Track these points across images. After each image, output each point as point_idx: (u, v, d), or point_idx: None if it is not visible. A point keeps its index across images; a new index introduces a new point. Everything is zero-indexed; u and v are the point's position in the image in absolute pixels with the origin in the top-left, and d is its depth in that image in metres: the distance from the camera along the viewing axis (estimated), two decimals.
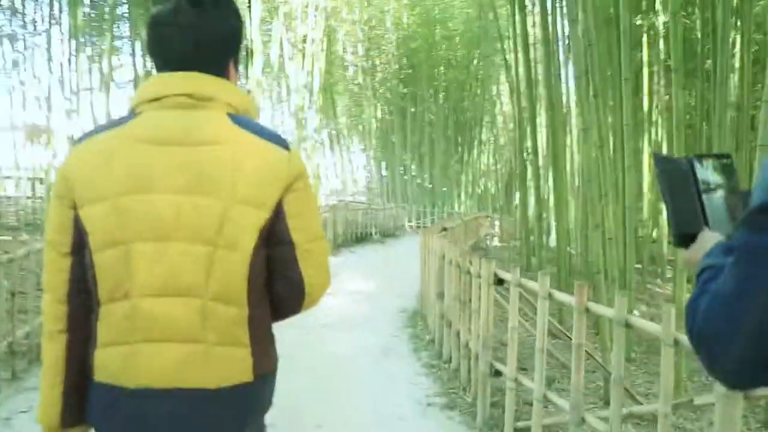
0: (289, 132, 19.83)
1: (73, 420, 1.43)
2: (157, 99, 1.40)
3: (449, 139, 30.49)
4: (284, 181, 1.39)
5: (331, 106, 30.00)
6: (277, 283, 1.44)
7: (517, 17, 12.01)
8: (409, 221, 26.39)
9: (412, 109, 30.11)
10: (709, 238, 1.00)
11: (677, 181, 1.09)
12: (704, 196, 1.06)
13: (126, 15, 17.36)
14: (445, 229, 10.12)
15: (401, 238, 22.49)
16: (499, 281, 4.45)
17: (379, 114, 31.04)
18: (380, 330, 7.34)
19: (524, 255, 13.35)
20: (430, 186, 30.51)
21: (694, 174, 1.07)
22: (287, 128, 20.16)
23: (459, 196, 31.07)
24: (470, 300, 5.12)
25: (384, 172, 32.17)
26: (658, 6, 11.03)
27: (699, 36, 9.88)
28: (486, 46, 28.58)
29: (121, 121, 1.43)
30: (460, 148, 31.30)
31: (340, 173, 33.86)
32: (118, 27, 18.09)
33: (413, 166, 30.83)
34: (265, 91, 19.65)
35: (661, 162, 1.14)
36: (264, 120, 19.83)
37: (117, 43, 17.81)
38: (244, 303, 1.38)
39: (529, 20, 12.63)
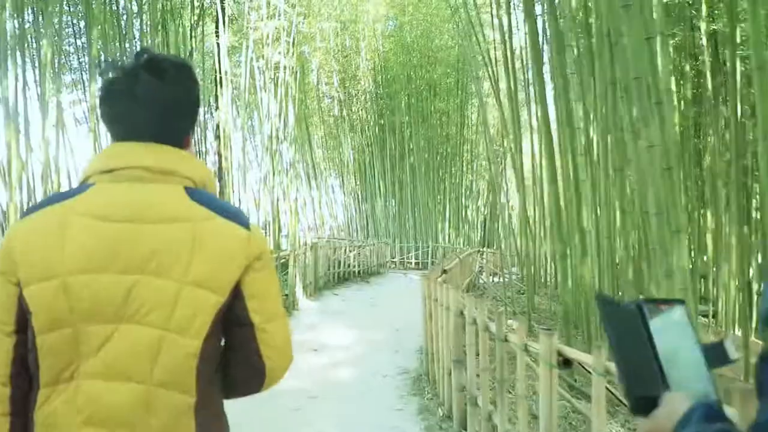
0: (263, 165, 18.51)
1: None
2: (111, 170, 1.32)
3: (432, 170, 29.34)
4: (242, 263, 1.32)
5: (307, 139, 28.70)
6: (235, 366, 1.38)
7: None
8: (392, 257, 25.03)
9: (392, 141, 28.98)
10: (679, 401, 0.87)
11: (627, 333, 0.94)
12: (661, 352, 0.91)
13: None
14: (445, 272, 8.78)
15: (386, 275, 21.11)
16: (566, 362, 3.11)
17: (356, 146, 29.81)
18: (379, 401, 5.94)
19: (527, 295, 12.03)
20: (412, 220, 29.28)
21: (645, 323, 0.93)
22: (260, 161, 18.82)
23: (442, 229, 29.84)
24: (508, 378, 3.79)
25: (363, 206, 30.84)
26: None
27: None
28: (466, 74, 27.88)
29: (71, 194, 1.32)
30: (443, 180, 30.14)
31: (318, 209, 32.31)
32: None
33: (393, 200, 29.59)
34: (236, 121, 18.21)
35: (605, 306, 1.01)
36: (235, 152, 18.74)
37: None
38: (191, 390, 1.29)
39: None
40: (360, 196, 30.75)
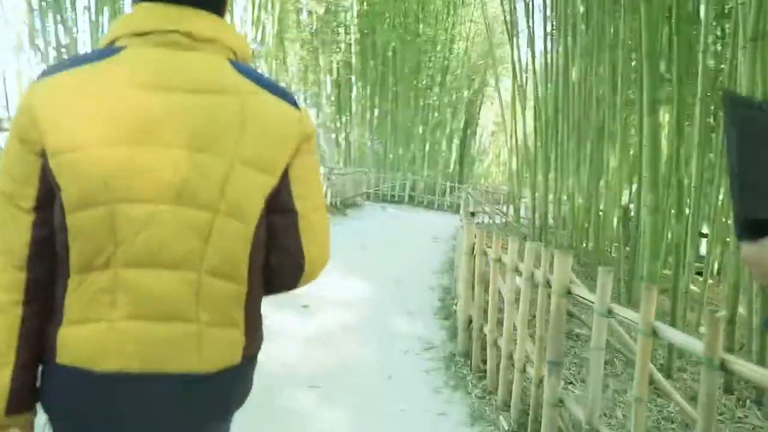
0: None
1: (21, 406, 1.17)
2: (146, 33, 1.15)
3: (413, 98, 27.32)
4: (295, 143, 1.21)
5: (282, 57, 26.29)
6: (273, 255, 1.26)
7: None
8: (368, 188, 23.22)
9: (373, 64, 26.77)
10: None
11: (757, 142, 0.79)
12: None
13: None
14: (473, 214, 7.04)
15: (363, 208, 19.37)
16: None
17: (335, 68, 27.48)
18: (408, 397, 4.29)
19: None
20: (392, 150, 27.41)
21: None
22: None
23: (421, 160, 28.05)
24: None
25: (340, 133, 28.77)
26: None
27: None
28: None
29: (99, 56, 1.14)
30: (425, 109, 28.17)
31: None
32: None
33: (371, 127, 27.59)
34: None
35: (734, 107, 0.83)
36: None
37: None
38: (243, 279, 1.20)
39: None
40: (337, 122, 28.66)
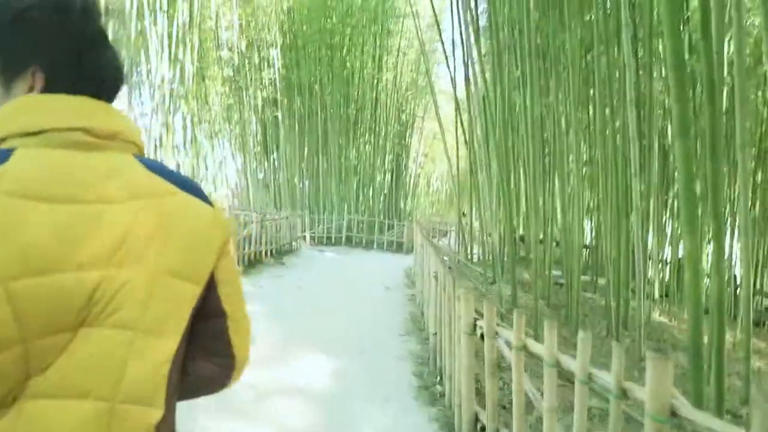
0: (152, 123, 14.96)
1: None
2: (37, 133, 1.00)
3: (343, 133, 26.26)
4: (218, 247, 1.12)
5: (202, 93, 24.87)
6: (200, 362, 1.16)
7: None
8: (303, 231, 21.89)
9: (299, 98, 25.66)
10: None
11: None
12: None
13: None
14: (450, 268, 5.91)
15: (300, 254, 18.02)
16: None
17: (260, 104, 26.21)
18: None
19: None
20: (321, 189, 26.22)
21: None
22: (148, 117, 15.17)
23: (355, 198, 26.90)
24: None
25: (266, 173, 27.40)
26: None
27: None
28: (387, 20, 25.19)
29: None
30: (355, 145, 27.14)
31: (213, 175, 28.31)
32: None
33: (302, 165, 26.37)
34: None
35: None
36: (120, 101, 14.85)
37: None
38: (160, 402, 1.03)
39: None
40: (262, 161, 27.30)
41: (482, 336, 3.71)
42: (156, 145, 13.30)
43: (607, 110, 8.23)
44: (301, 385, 5.43)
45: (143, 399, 1.01)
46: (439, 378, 5.52)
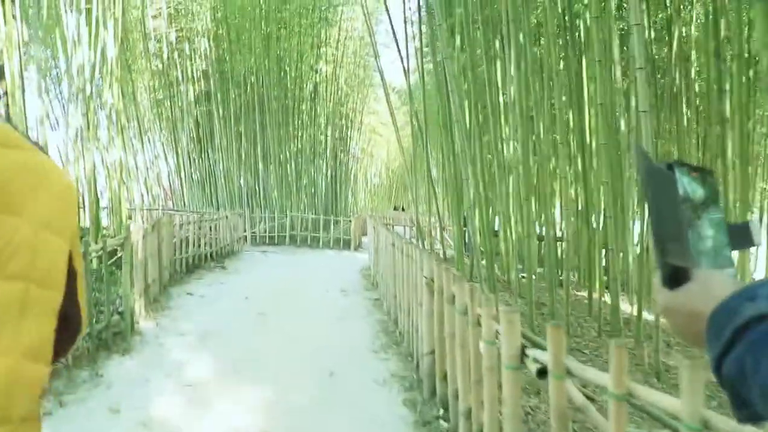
0: (73, 114, 13.31)
1: None
2: None
3: (283, 128, 24.85)
4: (75, 205, 1.13)
5: (129, 87, 23.05)
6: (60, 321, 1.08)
7: None
8: (244, 231, 20.43)
9: (234, 91, 24.12)
10: (720, 281, 0.71)
11: (661, 192, 0.79)
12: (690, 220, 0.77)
13: None
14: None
15: (242, 256, 16.62)
16: None
17: (191, 98, 24.56)
18: None
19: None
20: (262, 187, 24.78)
21: (677, 187, 0.77)
22: (67, 108, 13.54)
23: (296, 196, 25.50)
24: None
25: (199, 170, 25.74)
26: None
27: None
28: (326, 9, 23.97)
29: None
30: (294, 138, 25.74)
31: (144, 172, 26.33)
32: None
33: (238, 164, 24.84)
34: (27, 46, 12.64)
35: (641, 160, 0.83)
36: (30, 97, 13.16)
37: None
38: (48, 359, 1.00)
39: None
40: (196, 159, 25.64)
41: (541, 372, 2.59)
42: (76, 140, 11.75)
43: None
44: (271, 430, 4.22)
45: (39, 355, 0.95)
46: (441, 410, 4.39)
